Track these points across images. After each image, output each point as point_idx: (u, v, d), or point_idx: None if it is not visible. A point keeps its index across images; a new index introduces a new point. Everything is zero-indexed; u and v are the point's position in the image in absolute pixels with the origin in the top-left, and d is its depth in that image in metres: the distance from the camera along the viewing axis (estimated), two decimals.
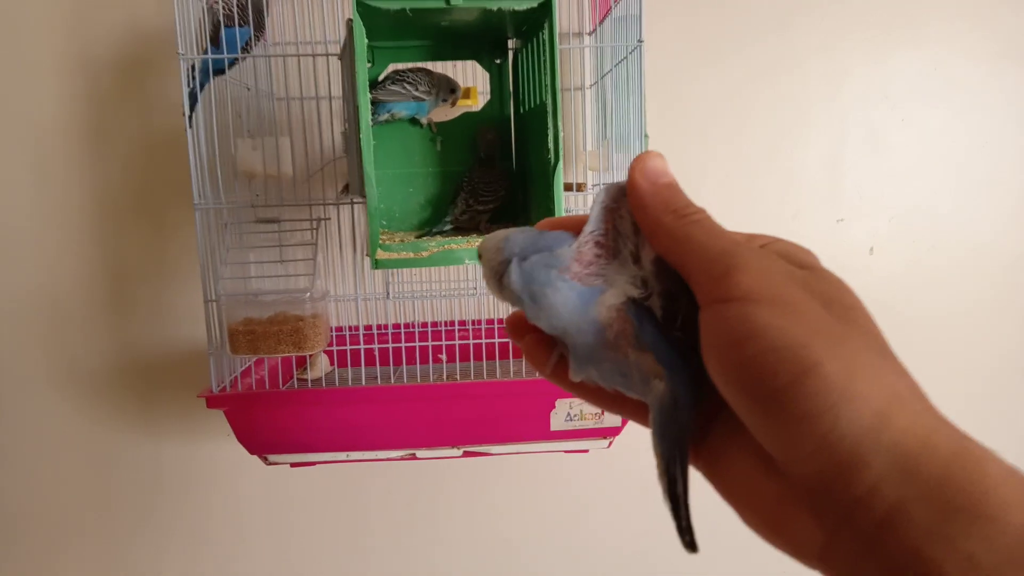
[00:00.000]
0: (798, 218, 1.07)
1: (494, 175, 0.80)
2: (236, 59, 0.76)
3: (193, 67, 0.76)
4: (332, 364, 0.96)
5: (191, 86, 0.76)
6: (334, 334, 0.94)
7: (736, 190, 1.07)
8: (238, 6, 0.75)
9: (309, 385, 0.89)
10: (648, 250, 0.28)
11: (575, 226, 0.29)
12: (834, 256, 1.07)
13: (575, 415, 0.82)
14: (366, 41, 0.59)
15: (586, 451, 0.87)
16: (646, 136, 0.93)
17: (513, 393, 0.81)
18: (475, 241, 0.61)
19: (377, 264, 0.59)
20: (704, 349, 0.25)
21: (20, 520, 1.06)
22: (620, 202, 0.28)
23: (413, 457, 0.85)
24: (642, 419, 0.29)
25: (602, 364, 0.28)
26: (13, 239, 1.01)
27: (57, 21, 0.98)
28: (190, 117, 0.76)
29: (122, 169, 1.01)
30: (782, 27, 1.04)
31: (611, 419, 0.82)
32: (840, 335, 0.23)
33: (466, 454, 0.85)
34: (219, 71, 0.76)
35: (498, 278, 0.29)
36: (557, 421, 0.82)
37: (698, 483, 0.27)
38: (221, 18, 0.75)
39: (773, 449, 0.24)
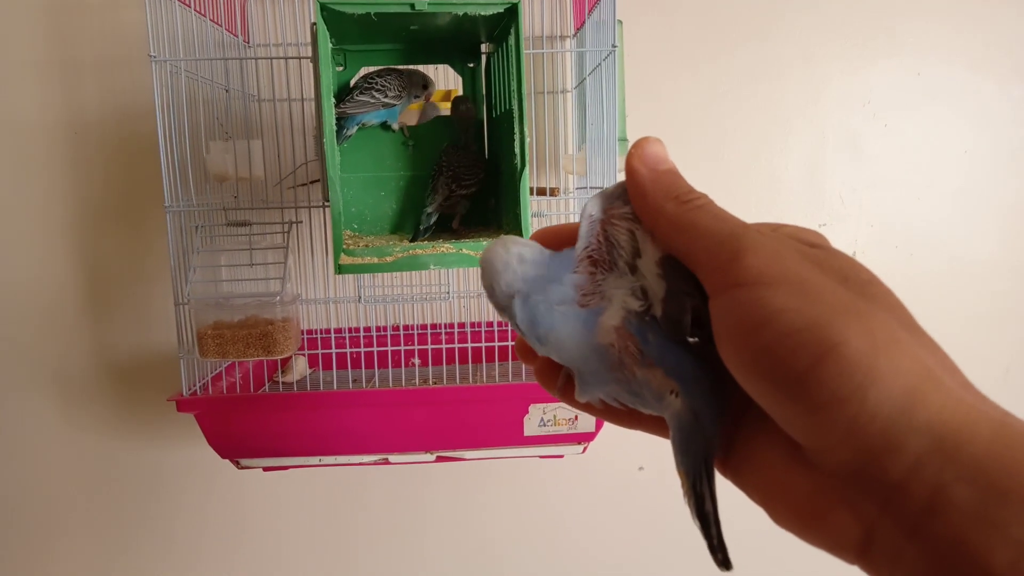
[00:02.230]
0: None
1: (471, 158, 0.79)
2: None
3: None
4: (312, 367, 0.96)
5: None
6: (307, 337, 0.94)
7: (718, 196, 1.03)
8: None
9: (282, 388, 0.89)
10: (648, 254, 0.26)
11: (572, 234, 0.28)
12: None
13: (548, 420, 0.81)
14: (330, 46, 0.59)
15: (561, 456, 0.86)
16: (624, 141, 0.93)
17: (486, 398, 0.81)
18: (441, 247, 0.61)
19: (340, 269, 0.58)
20: (718, 341, 0.24)
21: None
22: (609, 210, 0.27)
23: (386, 462, 0.84)
24: (663, 432, 0.28)
25: (609, 385, 0.26)
26: None
27: (36, 23, 0.97)
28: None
29: (100, 171, 1.00)
30: (763, 34, 1.04)
31: (585, 424, 0.82)
32: (862, 311, 0.22)
33: (439, 459, 0.85)
34: None
35: (501, 310, 0.28)
36: (531, 426, 0.82)
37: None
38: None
39: (802, 438, 0.23)
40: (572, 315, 0.26)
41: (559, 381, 0.29)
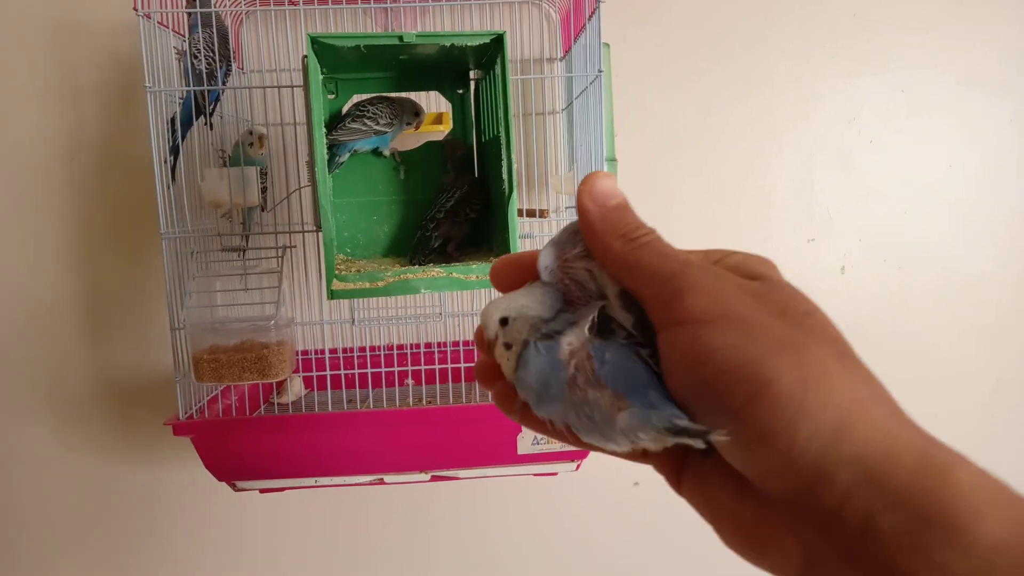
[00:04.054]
0: (769, 239, 1.09)
1: (477, 181, 0.80)
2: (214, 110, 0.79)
3: (173, 120, 0.78)
4: (307, 388, 0.96)
5: (173, 140, 0.78)
6: (302, 358, 0.95)
7: (707, 212, 1.08)
8: (208, 50, 0.76)
9: (277, 410, 0.90)
10: (608, 288, 0.27)
11: (530, 264, 0.29)
12: (805, 276, 1.08)
13: (542, 439, 0.82)
14: (320, 77, 0.60)
15: (555, 474, 0.87)
16: (614, 161, 0.95)
17: (479, 418, 0.81)
18: (432, 271, 0.62)
19: (333, 294, 0.60)
20: (666, 373, 0.25)
21: None
22: (562, 256, 0.28)
23: (381, 482, 0.85)
24: (628, 456, 0.28)
25: (563, 405, 0.27)
26: None
27: (37, 48, 0.99)
28: (173, 167, 0.77)
29: (98, 194, 1.01)
30: (752, 51, 1.06)
31: None
32: (797, 345, 0.23)
33: (434, 478, 0.86)
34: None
35: (510, 373, 0.29)
36: (524, 445, 0.83)
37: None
38: (202, 70, 0.76)
39: (742, 468, 0.24)
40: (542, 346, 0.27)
41: (517, 404, 0.30)
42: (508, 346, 0.29)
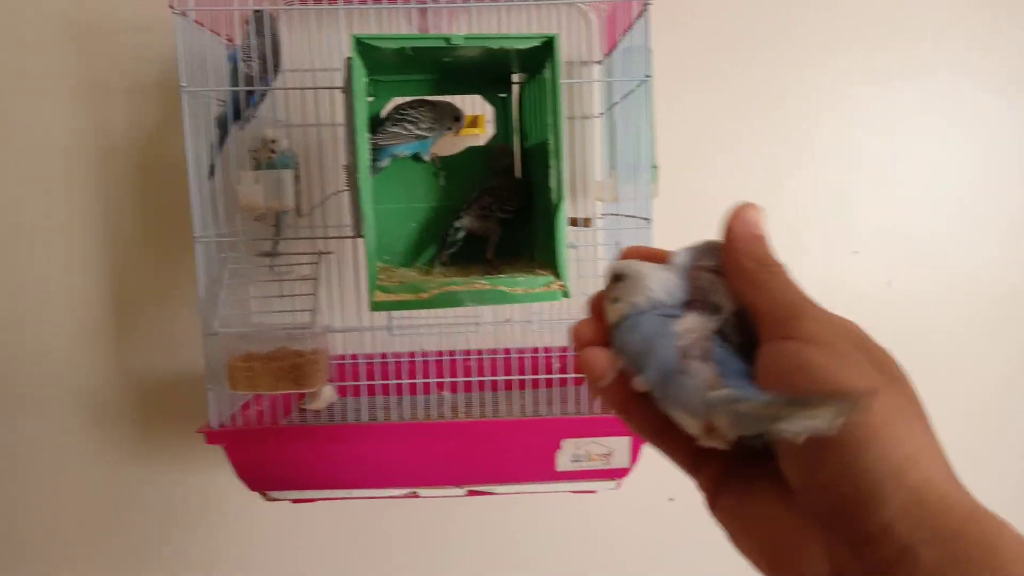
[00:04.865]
0: (811, 252, 1.05)
1: (516, 184, 0.78)
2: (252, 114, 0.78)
3: (219, 119, 0.77)
4: (338, 394, 0.94)
5: (219, 139, 0.77)
6: (337, 363, 0.93)
7: None
8: (260, 57, 0.76)
9: (308, 418, 0.88)
10: (724, 303, 0.30)
11: (656, 260, 0.32)
12: (850, 290, 1.05)
13: (582, 455, 0.80)
14: (365, 80, 0.58)
15: (594, 492, 0.85)
16: (655, 167, 0.92)
17: (518, 432, 0.79)
18: (476, 282, 0.60)
19: (375, 306, 0.57)
20: (758, 377, 0.27)
21: (16, 543, 1.06)
22: (695, 260, 0.31)
23: (416, 495, 0.83)
24: (681, 457, 0.31)
25: (662, 367, 0.28)
26: (18, 260, 1.01)
27: (66, 47, 0.98)
28: (212, 167, 0.76)
29: (129, 195, 1.00)
30: (790, 60, 1.03)
31: (619, 460, 0.80)
32: (882, 387, 0.25)
33: (470, 493, 0.83)
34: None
35: (612, 330, 0.31)
36: (563, 461, 0.80)
37: None
38: (250, 73, 0.75)
39: (801, 475, 0.26)
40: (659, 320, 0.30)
41: (612, 370, 0.31)
42: (615, 300, 0.31)
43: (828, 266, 1.05)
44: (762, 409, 0.24)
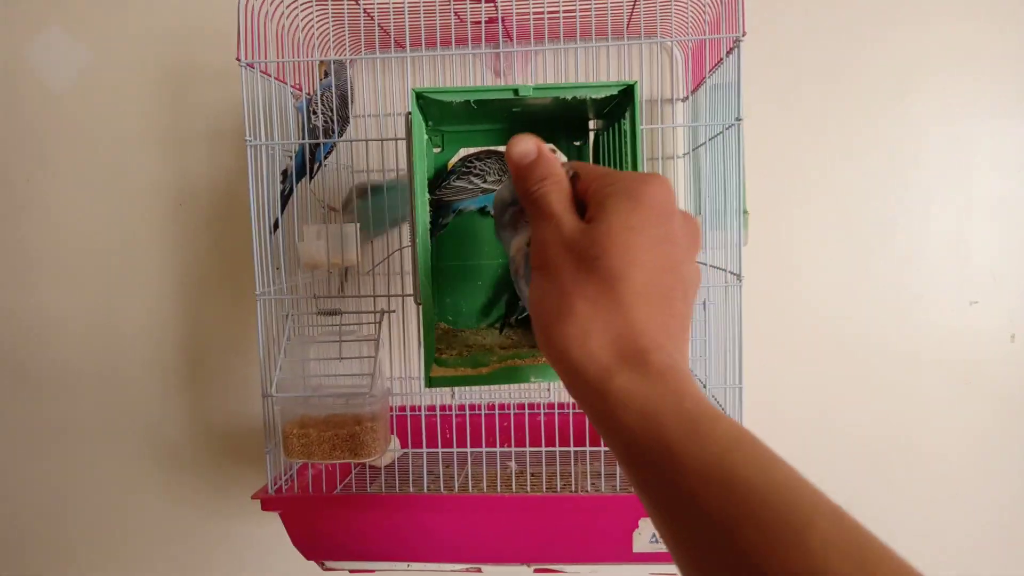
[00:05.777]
0: (921, 300, 0.94)
1: None
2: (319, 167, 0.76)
3: (285, 172, 0.75)
4: (402, 446, 0.90)
5: (284, 191, 0.76)
6: (398, 414, 0.89)
7: (848, 271, 0.95)
8: (331, 109, 0.74)
9: (369, 474, 0.83)
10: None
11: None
12: (968, 342, 0.93)
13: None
14: (426, 137, 0.53)
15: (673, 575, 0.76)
16: (746, 213, 0.84)
17: (592, 508, 0.72)
18: (541, 357, 0.54)
19: (431, 382, 0.52)
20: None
21: (66, 555, 1.07)
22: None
23: (479, 572, 0.77)
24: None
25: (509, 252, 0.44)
26: (97, 303, 1.03)
27: (149, 94, 1.00)
28: (276, 221, 0.74)
29: (204, 243, 1.00)
30: (897, 93, 0.93)
31: None
32: (580, 275, 0.33)
33: (538, 571, 0.77)
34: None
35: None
36: (641, 542, 0.72)
37: None
38: (318, 126, 0.74)
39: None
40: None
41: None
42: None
43: (942, 318, 0.94)
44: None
